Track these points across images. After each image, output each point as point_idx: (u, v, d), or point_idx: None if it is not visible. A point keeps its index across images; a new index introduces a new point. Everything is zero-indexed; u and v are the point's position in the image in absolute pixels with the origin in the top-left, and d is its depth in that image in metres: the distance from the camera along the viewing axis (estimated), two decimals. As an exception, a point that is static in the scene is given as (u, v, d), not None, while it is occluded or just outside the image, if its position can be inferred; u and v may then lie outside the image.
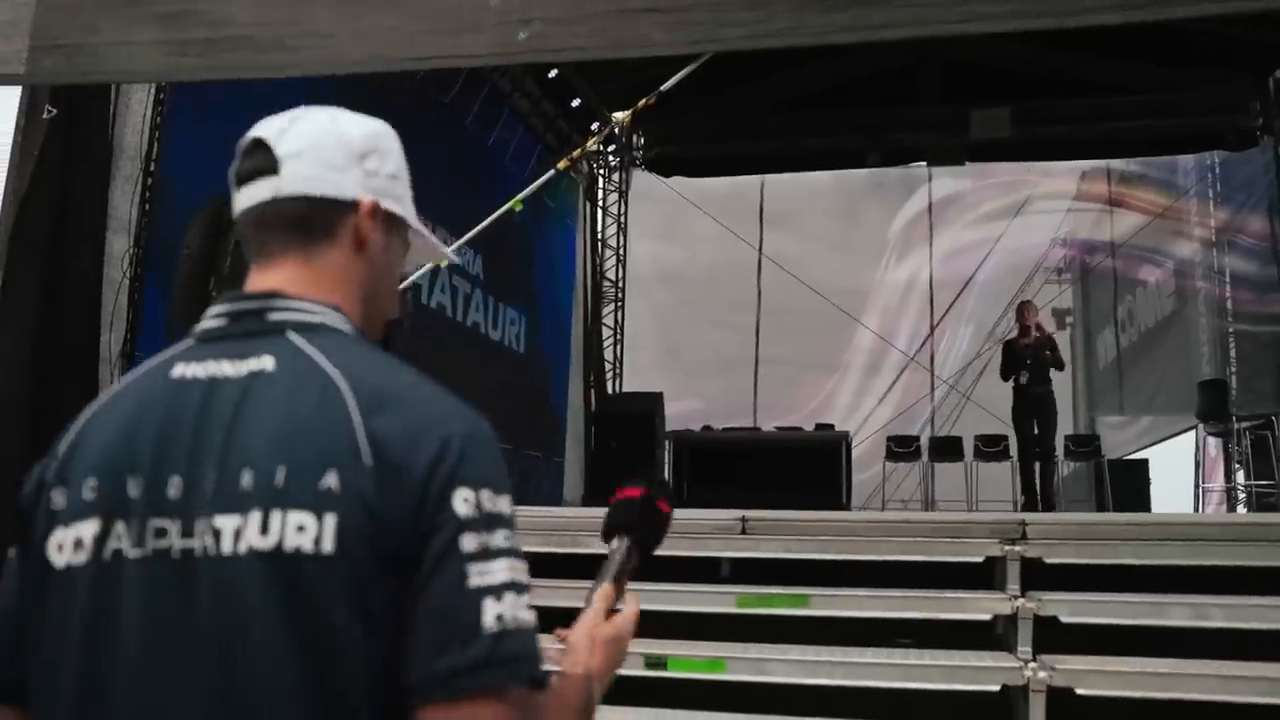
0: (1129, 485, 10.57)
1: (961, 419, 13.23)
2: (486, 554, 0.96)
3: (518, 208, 4.78)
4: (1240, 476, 10.99)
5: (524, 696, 0.93)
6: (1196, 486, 9.13)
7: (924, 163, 13.03)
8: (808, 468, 9.88)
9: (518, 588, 0.96)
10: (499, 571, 0.96)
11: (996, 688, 2.89)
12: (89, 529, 1.01)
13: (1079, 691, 2.80)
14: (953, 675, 2.95)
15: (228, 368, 1.05)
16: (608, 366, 12.99)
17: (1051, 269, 16.56)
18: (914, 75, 12.47)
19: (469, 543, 0.95)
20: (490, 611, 0.93)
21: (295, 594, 0.94)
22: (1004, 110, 11.88)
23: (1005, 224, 13.24)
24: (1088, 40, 11.42)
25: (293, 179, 1.13)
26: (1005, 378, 8.95)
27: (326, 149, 1.15)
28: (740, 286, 13.03)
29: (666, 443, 10.67)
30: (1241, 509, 10.62)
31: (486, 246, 9.58)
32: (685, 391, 13.08)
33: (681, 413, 11.99)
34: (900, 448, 10.81)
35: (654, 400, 10.90)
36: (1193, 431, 11.95)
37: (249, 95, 6.58)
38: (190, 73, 5.10)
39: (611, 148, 13.18)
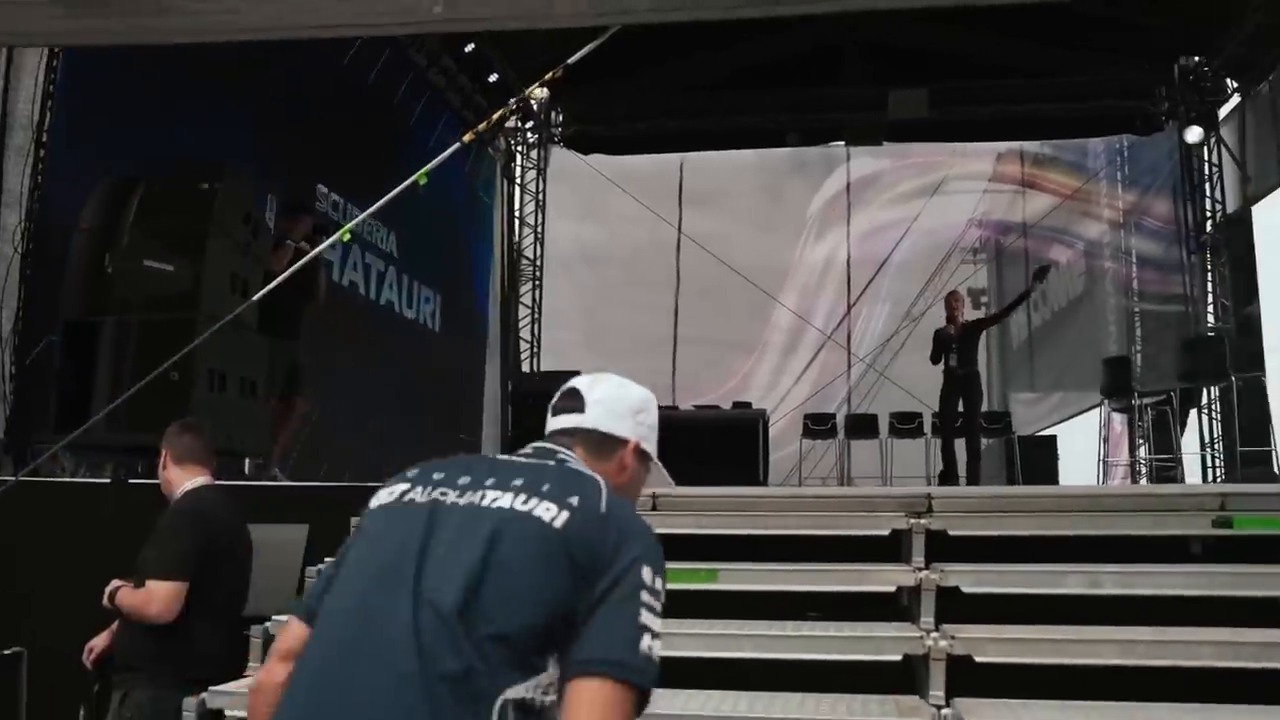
0: (1038, 460, 10.84)
1: (878, 397, 13.44)
2: (653, 611, 1.44)
3: (422, 181, 4.68)
4: (1143, 451, 11.38)
5: (643, 699, 1.41)
6: (1101, 461, 9.39)
7: (843, 142, 13.15)
8: (726, 446, 9.91)
9: (660, 638, 1.43)
10: (656, 623, 1.43)
11: (899, 657, 2.92)
12: (398, 489, 1.59)
13: (977, 659, 2.85)
14: (856, 646, 2.98)
15: (521, 460, 1.66)
16: (525, 345, 12.90)
17: (967, 250, 16.89)
18: (833, 56, 12.56)
19: (647, 598, 1.44)
20: (646, 642, 1.41)
21: (521, 539, 1.46)
22: (921, 91, 12.02)
23: (922, 204, 13.43)
24: (1003, 24, 11.62)
25: (593, 419, 1.76)
26: (935, 362, 9.21)
27: (616, 404, 1.80)
28: (660, 265, 13.03)
29: (586, 422, 10.64)
30: (1144, 481, 11.00)
31: (401, 224, 9.41)
32: (605, 371, 13.03)
33: (601, 392, 11.94)
34: (817, 425, 10.92)
35: (570, 378, 10.84)
36: (1100, 408, 12.28)
37: (143, 65, 6.35)
38: (85, 36, 4.90)
39: (529, 124, 13.05)
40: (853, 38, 12.10)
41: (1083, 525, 3.33)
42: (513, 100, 10.98)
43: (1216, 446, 10.86)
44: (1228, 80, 11.92)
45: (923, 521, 3.24)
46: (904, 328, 15.18)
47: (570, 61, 4.71)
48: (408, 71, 9.84)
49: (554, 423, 1.79)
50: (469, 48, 10.46)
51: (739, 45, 11.85)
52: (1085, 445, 12.16)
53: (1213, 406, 10.80)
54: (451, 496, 1.53)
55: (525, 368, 12.85)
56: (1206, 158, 12.28)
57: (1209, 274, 12.10)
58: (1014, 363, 16.67)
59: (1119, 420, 12.44)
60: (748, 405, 10.78)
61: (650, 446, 1.84)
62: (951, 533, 3.24)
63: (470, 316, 11.42)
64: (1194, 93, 12.13)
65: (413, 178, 4.59)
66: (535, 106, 13.03)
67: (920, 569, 3.14)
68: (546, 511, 1.48)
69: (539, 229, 13.25)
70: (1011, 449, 10.74)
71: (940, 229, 14.53)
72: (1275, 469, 8.66)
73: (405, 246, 9.56)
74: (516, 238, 13.19)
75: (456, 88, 10.99)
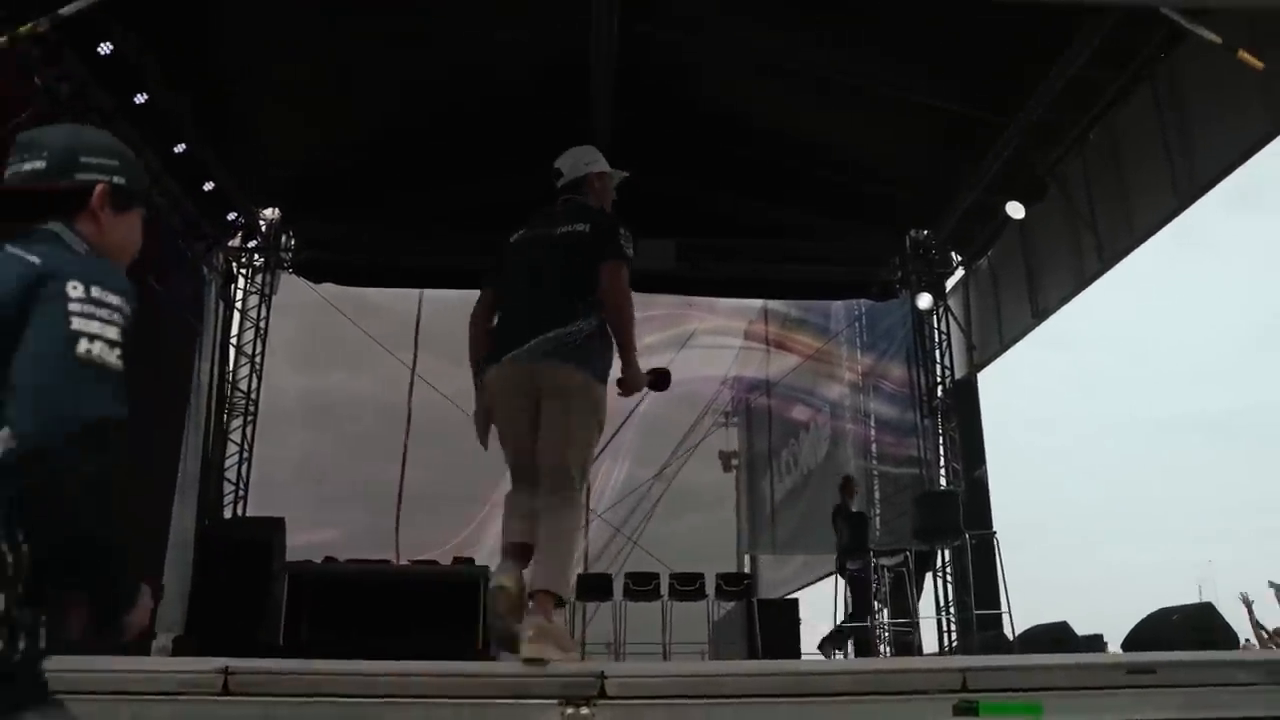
0: (779, 626, 10.32)
1: (631, 557, 12.66)
2: (625, 240, 3.76)
3: None
4: (884, 615, 11.09)
5: (629, 264, 3.75)
6: (835, 627, 8.87)
7: (587, 289, 12.73)
8: (444, 606, 8.81)
9: (630, 244, 3.78)
10: (627, 245, 3.76)
11: None
12: (520, 235, 3.94)
13: None
14: None
15: (560, 211, 3.98)
16: (229, 487, 11.33)
17: (719, 412, 16.78)
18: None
19: (616, 237, 3.72)
20: (624, 245, 3.72)
21: (573, 242, 3.75)
22: (669, 242, 11.84)
23: (670, 357, 13.05)
24: (750, 184, 11.74)
25: (568, 176, 4.01)
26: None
27: (575, 162, 4.04)
28: (391, 408, 11.93)
29: (285, 575, 9.29)
30: (885, 649, 10.65)
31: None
32: (323, 520, 11.63)
33: (316, 543, 10.57)
34: (547, 585, 9.93)
35: (272, 526, 9.47)
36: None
37: None
38: None
39: (253, 243, 11.86)
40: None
41: (805, 716, 2.56)
42: (244, 217, 9.82)
43: (951, 610, 10.71)
44: (952, 253, 12.45)
45: (584, 711, 2.36)
46: (657, 485, 14.66)
47: (63, 12, 3.79)
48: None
49: (560, 186, 4.01)
50: (179, 148, 9.29)
51: (490, 182, 11.34)
52: (830, 610, 11.79)
53: (947, 569, 10.68)
54: (540, 231, 3.85)
55: (228, 513, 11.26)
56: (936, 325, 12.67)
57: (940, 437, 12.29)
58: (760, 525, 16.46)
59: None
60: (470, 561, 9.70)
61: (604, 168, 4.09)
62: (623, 729, 2.37)
63: (156, 450, 9.76)
64: (924, 263, 12.58)
65: None
66: (264, 226, 11.92)
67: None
68: (580, 227, 3.75)
69: (257, 359, 11.91)
70: (752, 612, 10.16)
71: (690, 382, 14.29)
72: (1007, 633, 8.42)
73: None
74: (230, 367, 11.78)
75: (163, 191, 9.70)
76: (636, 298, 12.44)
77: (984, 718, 2.45)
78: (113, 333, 1.59)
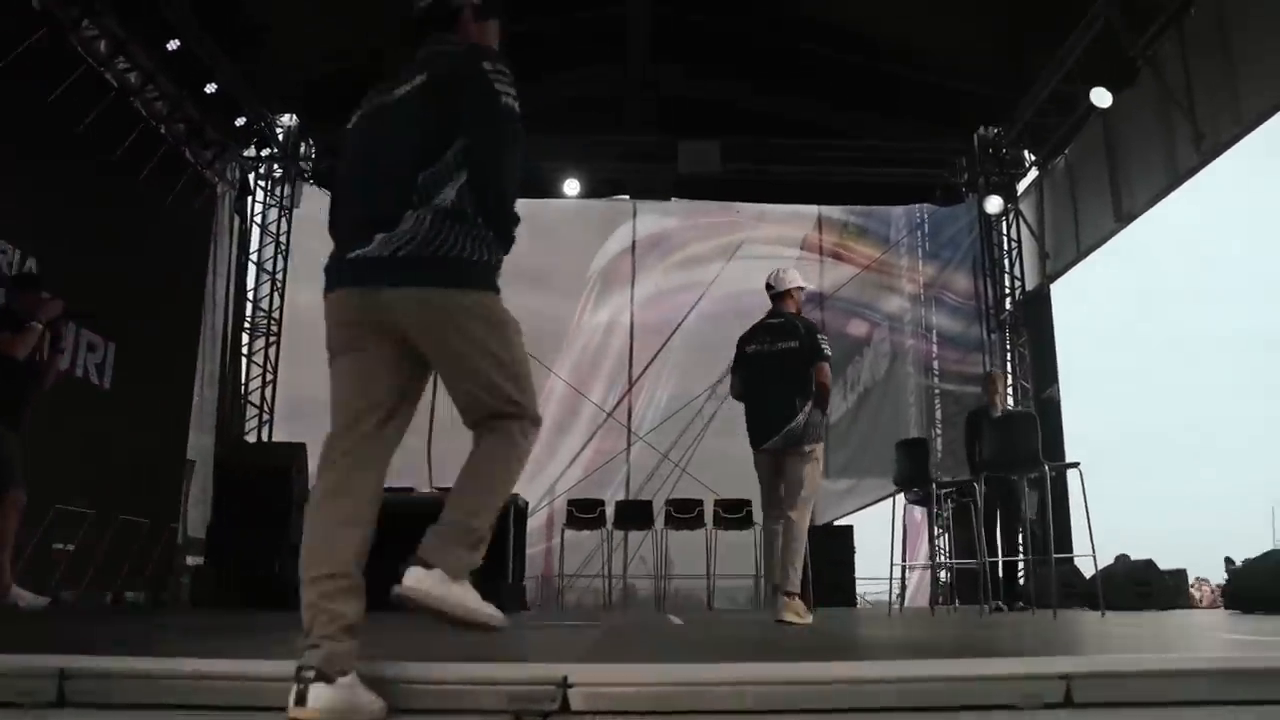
0: (833, 554, 9.69)
1: (680, 484, 11.96)
2: None
3: None
4: (942, 542, 10.38)
5: None
6: (893, 564, 8.01)
7: (627, 196, 11.89)
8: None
9: None
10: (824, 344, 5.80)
11: None
12: (752, 348, 5.61)
13: None
14: None
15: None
16: (252, 411, 10.84)
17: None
18: (621, 103, 11.42)
19: (819, 344, 5.84)
20: (824, 349, 5.56)
21: (787, 357, 5.44)
22: (714, 144, 10.96)
23: (719, 268, 12.15)
24: (803, 80, 10.77)
25: (775, 287, 5.76)
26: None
27: (780, 277, 5.79)
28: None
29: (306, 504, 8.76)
30: (944, 575, 9.96)
31: (48, 246, 7.31)
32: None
33: (343, 469, 10.06)
34: (582, 513, 9.32)
35: (293, 452, 8.91)
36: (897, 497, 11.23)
37: None
38: None
39: (265, 152, 11.16)
40: (645, 86, 11.03)
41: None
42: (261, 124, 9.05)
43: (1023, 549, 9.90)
44: (1025, 152, 11.37)
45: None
46: (705, 407, 13.88)
47: None
48: (75, 65, 7.67)
49: (771, 296, 5.57)
50: (172, 44, 8.53)
51: (523, 85, 10.50)
52: (884, 536, 11.14)
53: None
54: (765, 346, 5.51)
55: (254, 437, 10.79)
56: (1006, 231, 11.68)
57: (1008, 353, 11.39)
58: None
59: (919, 511, 11.42)
60: (499, 487, 9.11)
61: (800, 284, 5.60)
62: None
63: (165, 374, 9.20)
64: (993, 163, 11.55)
65: None
66: (281, 134, 11.24)
67: None
68: (792, 344, 5.36)
69: (278, 277, 11.33)
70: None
71: (739, 295, 13.38)
72: (1083, 568, 7.65)
73: (58, 278, 7.29)
74: (251, 285, 11.22)
75: (161, 93, 9.01)
76: (681, 204, 11.63)
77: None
78: (513, 90, 2.19)
